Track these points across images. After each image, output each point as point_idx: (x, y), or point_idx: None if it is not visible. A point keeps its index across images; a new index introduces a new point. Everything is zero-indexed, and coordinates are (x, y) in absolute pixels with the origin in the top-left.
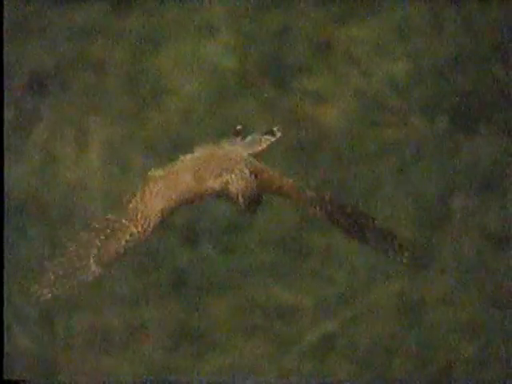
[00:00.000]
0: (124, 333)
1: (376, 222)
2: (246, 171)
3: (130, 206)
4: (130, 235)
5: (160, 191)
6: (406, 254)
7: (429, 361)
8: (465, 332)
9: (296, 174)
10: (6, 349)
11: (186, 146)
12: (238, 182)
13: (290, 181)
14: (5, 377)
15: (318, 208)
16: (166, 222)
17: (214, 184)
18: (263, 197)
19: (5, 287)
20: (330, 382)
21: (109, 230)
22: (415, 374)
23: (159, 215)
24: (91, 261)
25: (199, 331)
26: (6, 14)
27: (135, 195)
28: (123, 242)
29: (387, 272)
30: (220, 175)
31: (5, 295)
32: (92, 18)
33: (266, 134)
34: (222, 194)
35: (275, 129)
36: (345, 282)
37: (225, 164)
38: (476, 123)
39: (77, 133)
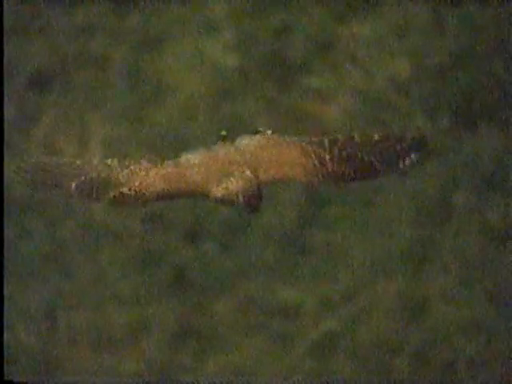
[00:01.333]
0: (125, 331)
1: (375, 136)
2: (247, 171)
3: (132, 167)
4: (119, 194)
5: (167, 175)
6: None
7: (431, 359)
8: (467, 330)
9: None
10: (8, 347)
11: (187, 144)
12: (237, 183)
13: (295, 141)
14: (6, 377)
15: (324, 163)
16: (165, 216)
17: (216, 192)
18: (263, 196)
19: (5, 285)
20: (332, 382)
21: (104, 174)
22: (417, 371)
23: (155, 195)
24: (73, 186)
25: (201, 329)
26: (6, 12)
27: (144, 157)
28: (109, 195)
29: (389, 269)
30: (221, 181)
31: (5, 293)
32: (93, 16)
33: (255, 133)
34: (224, 200)
35: (261, 129)
36: (347, 279)
37: (225, 169)
38: (477, 121)
39: (78, 131)
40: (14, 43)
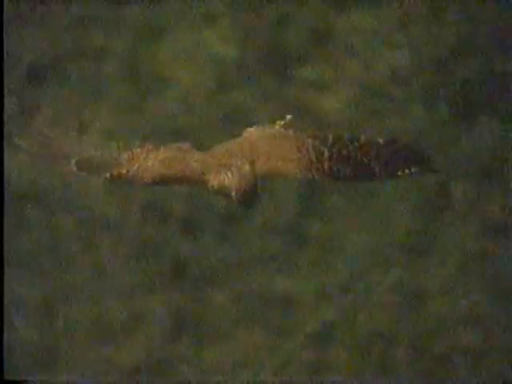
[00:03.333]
0: (124, 322)
1: (380, 140)
2: (244, 165)
3: (134, 150)
4: (117, 174)
5: (167, 160)
6: (418, 168)
7: (428, 349)
8: (465, 321)
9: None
10: (7, 341)
11: (185, 135)
12: (233, 177)
13: (291, 133)
14: (5, 377)
15: (322, 159)
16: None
17: (213, 182)
18: (259, 191)
19: (5, 277)
20: (329, 372)
21: (105, 154)
22: (415, 362)
23: (152, 179)
24: (73, 162)
25: (200, 320)
26: (5, 5)
27: (144, 146)
28: (107, 174)
29: (387, 260)
30: (218, 172)
31: (5, 285)
32: (91, 7)
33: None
34: (220, 192)
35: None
36: (345, 270)
37: (224, 160)
38: (476, 112)
39: (76, 122)
40: (14, 35)
